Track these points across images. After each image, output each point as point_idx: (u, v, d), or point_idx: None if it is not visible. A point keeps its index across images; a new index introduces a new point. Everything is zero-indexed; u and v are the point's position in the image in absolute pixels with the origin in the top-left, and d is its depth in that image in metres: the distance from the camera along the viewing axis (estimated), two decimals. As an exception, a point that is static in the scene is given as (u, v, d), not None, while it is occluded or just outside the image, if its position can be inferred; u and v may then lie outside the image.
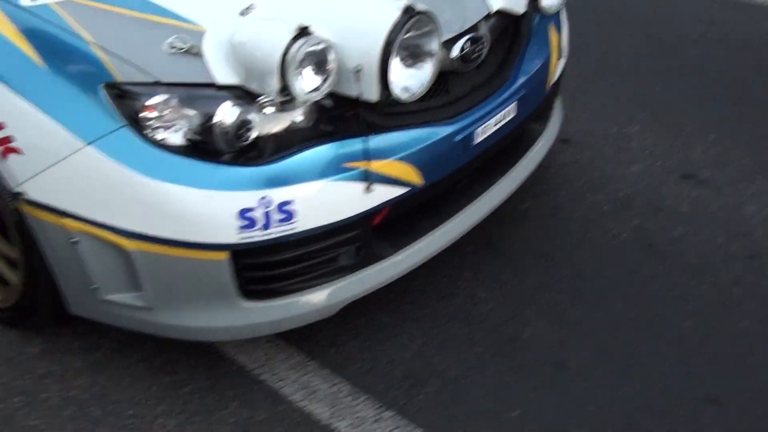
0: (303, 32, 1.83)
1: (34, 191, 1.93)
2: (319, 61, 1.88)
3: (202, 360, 2.29)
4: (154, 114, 1.88)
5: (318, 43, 1.85)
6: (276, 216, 1.92)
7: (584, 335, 2.30)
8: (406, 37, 1.94)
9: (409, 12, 1.91)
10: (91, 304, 2.09)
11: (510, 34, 2.48)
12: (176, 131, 1.90)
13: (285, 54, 1.81)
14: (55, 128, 1.88)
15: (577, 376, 2.17)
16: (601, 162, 3.10)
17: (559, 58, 2.66)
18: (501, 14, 2.39)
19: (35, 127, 1.89)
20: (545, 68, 2.54)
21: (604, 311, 2.38)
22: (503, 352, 2.26)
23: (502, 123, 2.35)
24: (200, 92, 1.90)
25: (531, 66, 2.48)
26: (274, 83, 1.84)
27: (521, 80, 2.42)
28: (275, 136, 1.96)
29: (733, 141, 3.17)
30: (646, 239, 2.66)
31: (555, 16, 2.66)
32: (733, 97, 3.50)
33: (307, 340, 2.33)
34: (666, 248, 2.61)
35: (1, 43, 1.94)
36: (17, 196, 1.95)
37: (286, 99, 1.89)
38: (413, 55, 2.02)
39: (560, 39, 2.68)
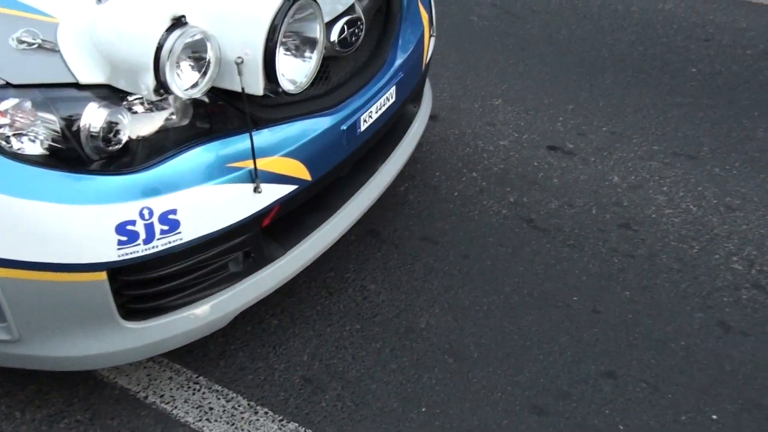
0: (177, 22, 1.64)
1: None
2: (196, 54, 1.70)
3: (77, 388, 2.06)
4: (4, 120, 1.63)
5: (195, 35, 1.66)
6: (159, 227, 1.73)
7: (479, 319, 2.28)
8: (289, 23, 1.79)
9: (290, -3, 1.76)
10: (-60, 341, 1.82)
11: (383, 14, 2.39)
12: (33, 139, 1.66)
13: (159, 48, 1.62)
14: None
15: (478, 362, 2.15)
16: (470, 138, 3.10)
17: (430, 36, 2.60)
18: (373, -7, 2.30)
19: None
20: (420, 47, 2.47)
21: (495, 292, 2.37)
22: (401, 346, 2.20)
23: (384, 108, 2.26)
24: (60, 93, 1.67)
25: (406, 46, 2.40)
26: (148, 81, 1.65)
27: (399, 61, 2.34)
28: (148, 138, 1.77)
29: (590, 110, 3.26)
30: (525, 215, 2.68)
31: (423, -7, 2.60)
32: (583, 64, 3.61)
33: (192, 354, 2.16)
34: (545, 223, 2.64)
35: None
36: None
37: (162, 98, 1.71)
38: (296, 43, 1.88)
39: (430, 16, 2.61)
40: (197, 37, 1.67)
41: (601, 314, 2.29)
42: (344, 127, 2.08)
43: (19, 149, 1.65)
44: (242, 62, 1.73)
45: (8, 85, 1.63)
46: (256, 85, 1.77)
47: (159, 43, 1.62)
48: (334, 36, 2.07)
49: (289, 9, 1.74)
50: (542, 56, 3.70)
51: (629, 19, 4.02)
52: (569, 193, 2.77)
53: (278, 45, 1.74)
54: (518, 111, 3.27)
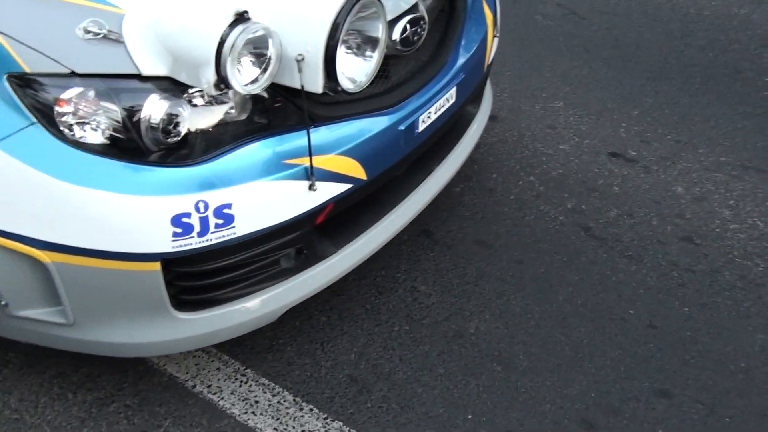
0: (240, 18, 1.64)
1: (-73, 199, 1.67)
2: (258, 49, 1.70)
3: (127, 373, 2.09)
4: (68, 109, 1.65)
5: (257, 30, 1.66)
6: (214, 221, 1.74)
7: (530, 328, 2.24)
8: (352, 22, 1.78)
9: (354, -5, 1.74)
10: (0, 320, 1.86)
11: (446, 14, 2.35)
12: (95, 128, 1.68)
13: (221, 43, 1.62)
14: (-49, 128, 1.63)
15: (527, 372, 2.11)
16: (529, 140, 3.05)
17: (494, 37, 2.55)
18: (439, -9, 2.26)
19: (-73, 127, 1.63)
20: (483, 48, 2.43)
21: (547, 301, 2.33)
22: (450, 350, 2.18)
23: (444, 109, 2.23)
24: (122, 84, 1.68)
25: (469, 47, 2.36)
26: (209, 75, 1.65)
27: (460, 62, 2.31)
28: (207, 131, 1.77)
29: (655, 117, 3.17)
30: (583, 222, 2.62)
31: (489, -7, 2.55)
32: (649, 70, 3.51)
33: (242, 345, 2.17)
34: (603, 232, 2.58)
35: None
36: None
37: (222, 92, 1.71)
38: (357, 42, 1.86)
39: (495, 16, 2.57)
40: (259, 33, 1.67)
41: (657, 329, 2.23)
42: (402, 127, 2.06)
43: (81, 138, 1.67)
44: (303, 59, 1.72)
45: (73, 74, 1.65)
46: (315, 83, 1.76)
47: (221, 38, 1.62)
48: (396, 35, 2.05)
49: (352, 7, 1.72)
50: (607, 59, 3.61)
51: (700, 24, 3.90)
52: (630, 203, 2.70)
53: (340, 43, 1.72)
54: (580, 115, 3.20)
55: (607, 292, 2.35)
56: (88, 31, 1.67)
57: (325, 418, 1.98)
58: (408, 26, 2.07)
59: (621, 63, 3.58)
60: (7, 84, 1.63)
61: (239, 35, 1.62)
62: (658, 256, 2.48)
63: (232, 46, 1.62)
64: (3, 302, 1.80)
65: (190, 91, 1.74)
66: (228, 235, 1.77)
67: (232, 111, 1.80)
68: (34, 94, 1.64)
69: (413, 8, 2.11)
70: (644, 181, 2.81)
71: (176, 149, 1.73)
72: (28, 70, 1.63)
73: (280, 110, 1.86)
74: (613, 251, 2.50)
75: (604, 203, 2.71)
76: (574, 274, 2.42)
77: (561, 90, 3.37)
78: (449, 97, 2.25)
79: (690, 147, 2.99)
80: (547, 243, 2.54)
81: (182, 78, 1.71)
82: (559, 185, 2.80)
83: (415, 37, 2.11)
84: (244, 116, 1.83)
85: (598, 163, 2.91)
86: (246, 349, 2.16)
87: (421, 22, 2.12)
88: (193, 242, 1.73)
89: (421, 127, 2.14)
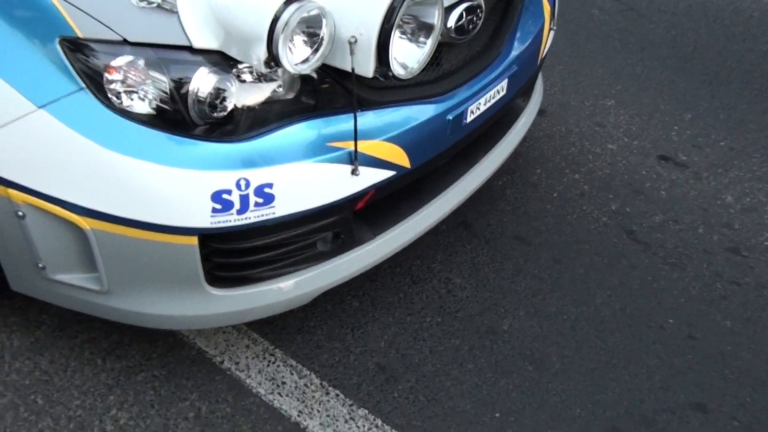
0: (295, -5, 1.61)
1: (-27, 158, 1.68)
2: (310, 29, 1.67)
3: (157, 344, 2.10)
4: (117, 76, 1.64)
5: (312, 9, 1.63)
6: (254, 199, 1.72)
7: (564, 329, 2.20)
8: (408, 6, 1.74)
9: (412, -21, 1.70)
10: (36, 282, 1.87)
11: (503, 3, 2.30)
12: (142, 98, 1.67)
13: (275, 20, 1.59)
14: (1, 88, 1.62)
15: (559, 374, 2.07)
16: (577, 137, 2.98)
17: (550, 30, 2.49)
18: (496, -20, 2.21)
19: (-23, 86, 1.63)
20: (538, 41, 2.37)
21: (584, 303, 2.28)
22: (481, 346, 2.14)
23: (493, 101, 2.18)
24: (173, 55, 1.67)
25: (524, 38, 2.31)
26: (261, 53, 1.62)
27: (514, 54, 2.25)
28: (253, 108, 1.75)
29: (709, 122, 3.09)
30: (626, 225, 2.56)
31: (548, -17, 2.49)
32: (707, 73, 3.41)
33: (272, 325, 2.16)
34: (646, 236, 2.52)
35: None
36: (-47, 162, 1.70)
37: (272, 70, 1.69)
38: (412, 27, 1.82)
39: (553, 9, 2.51)
40: (313, 12, 1.63)
41: (696, 341, 2.17)
42: (450, 117, 2.02)
43: (128, 106, 1.66)
44: (355, 42, 1.69)
45: (125, 41, 1.64)
46: (366, 67, 1.72)
47: (275, 14, 1.59)
48: (451, 22, 2.00)
49: (409, -9, 1.68)
50: (663, 59, 3.52)
51: (763, 28, 3.78)
52: (676, 208, 2.63)
53: (394, 28, 1.69)
54: (631, 114, 3.13)
55: (647, 299, 2.29)
56: (143, 0, 1.66)
57: (351, 405, 1.97)
58: (464, 14, 2.02)
59: (677, 63, 3.48)
60: (59, 47, 1.62)
61: (294, 13, 1.59)
62: (703, 266, 2.41)
63: (286, 24, 1.59)
64: (40, 265, 1.80)
65: (240, 66, 1.72)
66: (267, 215, 1.75)
67: (280, 89, 1.78)
68: (84, 59, 1.63)
69: (470, -5, 2.06)
70: (693, 187, 2.74)
71: (221, 124, 1.72)
72: (80, 34, 1.62)
73: (327, 92, 1.83)
74: (655, 257, 2.44)
75: (649, 207, 2.64)
76: (614, 278, 2.37)
77: (613, 88, 3.29)
78: (500, 89, 2.20)
79: (743, 155, 2.90)
80: (588, 244, 2.49)
81: (233, 53, 1.68)
82: (605, 185, 2.73)
83: (470, 26, 2.06)
84: (291, 95, 1.80)
85: (646, 165, 2.84)
86: (276, 329, 2.15)
87: (478, 11, 2.07)
88: (232, 219, 1.72)
89: (470, 118, 2.10)
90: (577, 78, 3.35)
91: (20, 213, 1.71)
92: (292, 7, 1.59)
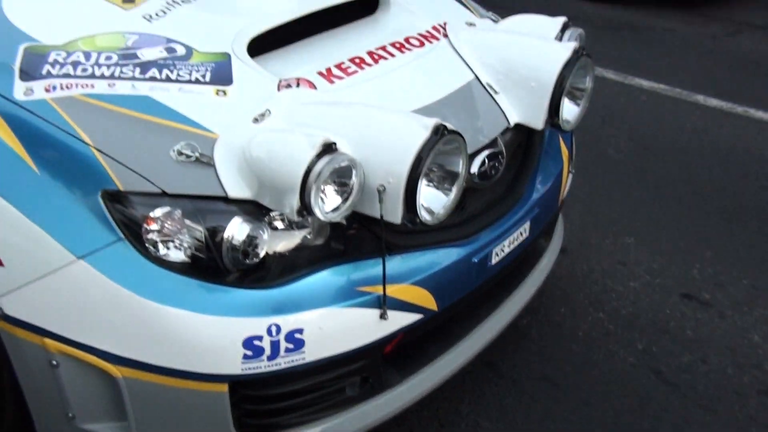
0: (328, 148, 1.69)
1: (12, 306, 1.71)
2: (341, 179, 1.74)
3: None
4: (155, 227, 1.70)
5: (343, 161, 1.70)
6: (284, 345, 1.74)
7: (598, 475, 2.14)
8: (434, 156, 1.81)
9: (438, 131, 1.77)
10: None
11: (523, 148, 2.38)
12: (178, 247, 1.72)
13: (308, 172, 1.66)
14: (43, 239, 1.68)
15: None
16: (599, 275, 3.00)
17: (569, 173, 2.57)
18: (516, 127, 2.30)
19: (21, 236, 1.69)
20: (558, 184, 2.44)
21: (616, 448, 2.23)
22: (513, 493, 2.09)
23: (517, 243, 2.22)
24: (209, 205, 1.73)
25: (545, 182, 2.38)
26: (293, 202, 1.68)
27: (536, 197, 2.31)
28: (284, 254, 1.80)
29: (730, 260, 3.10)
30: (654, 365, 2.53)
31: (567, 130, 2.58)
32: (724, 210, 3.46)
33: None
34: (675, 377, 2.48)
35: (-12, 141, 1.75)
36: (-8, 310, 1.74)
37: (303, 218, 1.74)
38: (438, 175, 1.89)
39: (571, 153, 2.59)
40: (344, 164, 1.71)
41: (734, 489, 2.10)
42: (476, 260, 2.05)
43: (164, 255, 1.71)
44: (384, 190, 1.75)
45: (164, 193, 1.70)
46: (395, 214, 1.77)
47: (308, 167, 1.66)
48: (475, 168, 2.08)
49: (437, 142, 1.76)
50: (679, 197, 3.58)
51: (776, 167, 3.87)
52: (703, 348, 2.61)
53: (421, 177, 1.75)
54: (651, 252, 3.15)
55: (681, 444, 2.24)
56: (181, 153, 1.74)
57: None
58: (487, 160, 2.11)
59: (693, 201, 3.54)
60: (100, 200, 1.69)
61: (326, 165, 1.66)
62: (735, 408, 2.36)
63: (318, 175, 1.65)
64: (70, 414, 1.80)
65: (272, 214, 1.78)
66: (297, 360, 1.76)
67: (310, 236, 1.83)
68: (124, 210, 1.70)
69: (492, 142, 2.15)
70: (718, 326, 2.72)
71: (253, 271, 1.76)
72: (121, 187, 1.70)
73: (355, 237, 1.88)
74: (686, 399, 2.40)
75: (676, 347, 2.62)
76: (644, 421, 2.32)
77: (631, 225, 3.34)
78: (523, 231, 2.25)
79: (767, 293, 2.90)
80: (616, 385, 2.46)
81: (265, 202, 1.75)
82: (630, 324, 2.73)
83: (493, 171, 2.13)
84: (320, 241, 1.85)
85: (670, 303, 2.84)
86: (302, 476, 2.10)
87: (500, 157, 2.15)
88: (262, 365, 1.73)
89: (494, 260, 2.13)
90: (596, 216, 3.41)
91: (54, 362, 1.73)
92: (324, 159, 1.66)
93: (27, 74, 1.82)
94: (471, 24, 2.48)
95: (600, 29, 5.77)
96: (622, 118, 4.39)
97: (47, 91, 1.79)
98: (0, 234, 1.70)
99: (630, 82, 4.88)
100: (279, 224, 1.80)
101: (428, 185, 1.87)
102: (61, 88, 1.80)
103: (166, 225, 1.71)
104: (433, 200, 1.88)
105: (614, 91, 4.72)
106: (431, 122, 1.77)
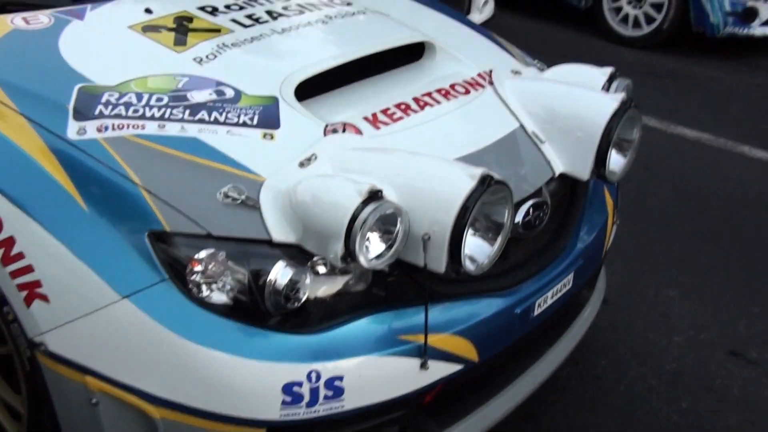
0: (374, 195, 1.68)
1: (56, 343, 1.72)
2: (386, 226, 1.73)
3: None
4: (199, 269, 1.70)
5: (389, 209, 1.70)
6: (324, 392, 1.72)
7: None
8: (480, 206, 1.79)
9: (485, 181, 1.76)
10: (99, 471, 1.86)
11: (567, 199, 2.36)
12: (221, 289, 1.72)
13: (354, 218, 1.66)
14: (89, 276, 1.69)
15: None
16: (641, 328, 2.94)
17: (613, 224, 2.53)
18: (561, 177, 2.28)
19: (67, 273, 1.70)
20: (602, 235, 2.41)
21: None
22: None
23: (560, 294, 2.19)
24: (253, 248, 1.73)
25: (589, 233, 2.34)
26: (337, 248, 1.68)
27: (579, 248, 2.28)
28: (326, 300, 1.79)
29: (777, 316, 3.03)
30: (700, 425, 2.46)
31: (612, 181, 2.56)
32: (771, 265, 3.39)
33: None
34: (721, 438, 2.42)
35: (41, 179, 1.77)
36: (36, 346, 1.74)
37: (347, 264, 1.73)
38: (483, 225, 1.87)
39: (615, 203, 2.56)
40: (390, 212, 1.70)
41: None
42: (518, 311, 2.02)
43: (206, 297, 1.71)
44: (429, 239, 1.74)
45: (209, 235, 1.71)
46: (438, 263, 1.76)
47: (354, 213, 1.65)
48: (519, 218, 2.06)
49: (483, 192, 1.74)
50: (724, 249, 3.51)
51: (825, 221, 3.78)
52: (751, 409, 2.53)
53: (467, 226, 1.74)
54: (695, 306, 3.08)
55: None
56: (227, 196, 1.75)
57: None
58: (531, 210, 2.09)
59: (739, 253, 3.47)
60: (147, 240, 1.70)
61: (371, 212, 1.65)
62: (784, 473, 2.29)
63: (364, 222, 1.65)
64: (106, 453, 1.80)
65: (315, 258, 1.77)
66: (336, 408, 1.74)
67: (352, 281, 1.82)
68: (169, 251, 1.70)
69: (537, 192, 2.13)
70: (767, 386, 2.64)
71: (294, 315, 1.75)
72: (167, 228, 1.71)
73: (396, 284, 1.86)
74: (733, 461, 2.33)
75: (722, 406, 2.54)
76: (689, 483, 2.25)
77: (675, 277, 3.28)
78: (566, 283, 2.22)
79: (816, 352, 2.82)
80: (659, 443, 2.39)
81: (309, 246, 1.74)
82: (673, 380, 2.66)
83: (537, 221, 2.11)
84: (362, 287, 1.84)
85: (715, 360, 2.76)
86: None
87: (544, 207, 2.13)
88: (301, 412, 1.71)
89: (537, 311, 2.10)
90: (639, 267, 3.35)
91: (94, 400, 1.73)
92: (370, 206, 1.66)
93: (80, 114, 1.86)
94: (517, 72, 2.48)
95: (642, 76, 5.74)
96: (665, 168, 4.33)
97: (99, 131, 1.82)
98: (47, 270, 1.71)
99: (673, 131, 4.83)
100: (321, 269, 1.79)
101: (473, 235, 1.85)
102: (113, 128, 1.83)
103: (210, 267, 1.71)
104: (477, 250, 1.86)
105: (657, 140, 4.67)
106: (478, 171, 1.76)
